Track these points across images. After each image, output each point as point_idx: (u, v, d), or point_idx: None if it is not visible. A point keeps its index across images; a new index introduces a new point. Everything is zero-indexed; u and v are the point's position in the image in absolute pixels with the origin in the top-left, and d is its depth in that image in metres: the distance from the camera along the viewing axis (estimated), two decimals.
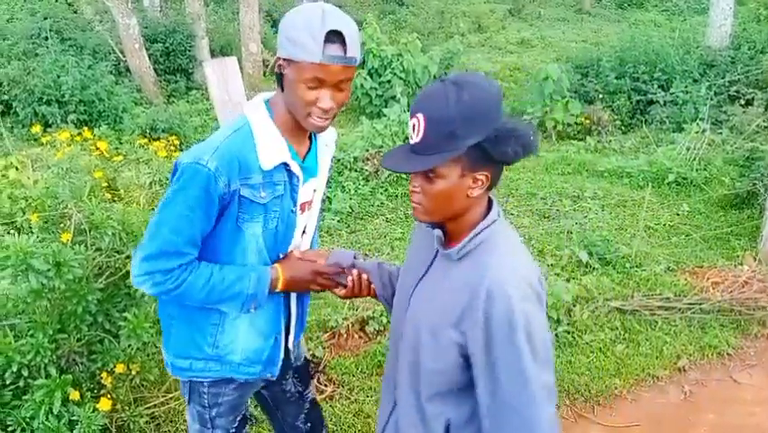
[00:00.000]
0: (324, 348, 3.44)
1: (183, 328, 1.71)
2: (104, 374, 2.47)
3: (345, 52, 1.43)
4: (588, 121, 7.73)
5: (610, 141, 7.47)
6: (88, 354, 2.49)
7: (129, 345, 2.48)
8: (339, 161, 5.96)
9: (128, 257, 2.42)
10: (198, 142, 1.63)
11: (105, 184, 2.86)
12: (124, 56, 9.47)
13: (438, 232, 1.40)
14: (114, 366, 2.45)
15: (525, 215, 5.22)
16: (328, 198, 5.52)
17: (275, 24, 14.53)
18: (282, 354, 1.82)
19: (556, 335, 3.41)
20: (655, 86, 8.15)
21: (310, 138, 1.71)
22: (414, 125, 1.28)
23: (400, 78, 9.45)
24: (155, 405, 2.90)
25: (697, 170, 5.86)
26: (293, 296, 1.81)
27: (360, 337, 3.61)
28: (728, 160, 6.03)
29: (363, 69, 9.61)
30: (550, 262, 4.27)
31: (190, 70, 10.25)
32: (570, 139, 7.76)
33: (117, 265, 2.46)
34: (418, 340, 1.39)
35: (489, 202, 1.41)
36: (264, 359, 1.76)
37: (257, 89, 9.89)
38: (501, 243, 1.35)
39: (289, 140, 1.61)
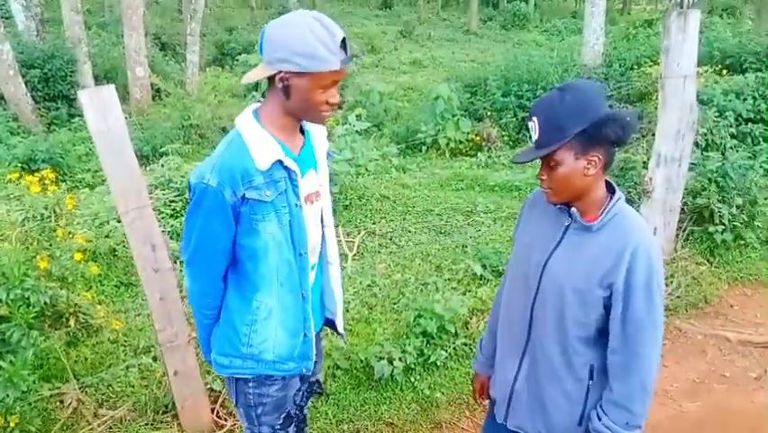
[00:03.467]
0: (222, 381, 3.34)
1: (223, 328, 1.87)
2: None
3: (347, 53, 1.63)
4: (478, 138, 8.03)
5: (499, 156, 7.77)
6: None
7: (6, 396, 2.32)
8: None
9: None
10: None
11: None
12: None
13: (574, 209, 1.67)
14: None
15: (422, 231, 5.32)
16: None
17: (164, 48, 14.14)
18: (315, 351, 1.97)
19: (454, 348, 3.48)
20: None
21: (302, 132, 1.85)
22: (532, 126, 1.60)
23: None
24: None
25: None
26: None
27: None
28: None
29: (257, 91, 9.51)
30: (447, 277, 4.37)
31: (72, 96, 9.75)
32: (462, 155, 8.02)
33: None
34: (562, 300, 1.68)
35: (610, 185, 1.70)
36: (296, 355, 1.90)
37: (145, 114, 9.56)
38: (630, 215, 1.67)
39: (282, 139, 1.73)
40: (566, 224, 1.71)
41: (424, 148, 8.19)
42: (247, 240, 1.74)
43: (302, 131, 1.85)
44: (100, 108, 2.49)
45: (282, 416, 2.00)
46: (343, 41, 1.60)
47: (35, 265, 2.39)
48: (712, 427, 3.13)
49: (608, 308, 1.66)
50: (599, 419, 1.70)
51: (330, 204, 2.01)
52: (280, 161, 1.70)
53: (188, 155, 7.71)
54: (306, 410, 2.14)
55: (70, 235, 2.55)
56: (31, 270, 2.34)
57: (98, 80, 9.94)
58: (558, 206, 1.72)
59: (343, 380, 3.29)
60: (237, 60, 11.72)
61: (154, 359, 3.54)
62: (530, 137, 1.63)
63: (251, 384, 1.91)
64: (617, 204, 1.66)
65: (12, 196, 2.74)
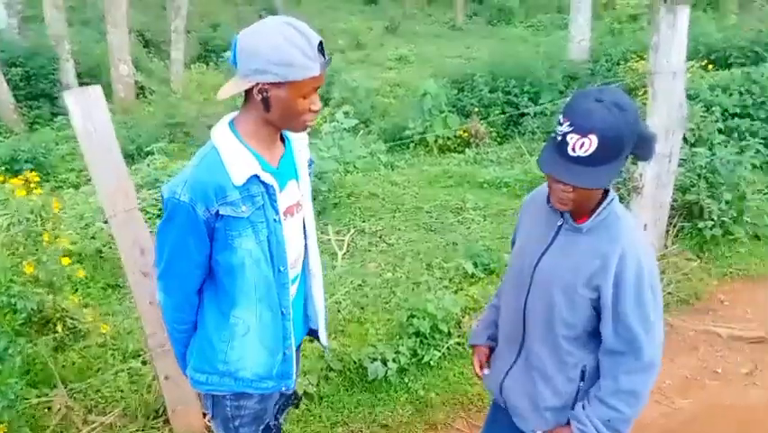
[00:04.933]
0: None
1: (199, 344, 1.81)
2: None
3: (324, 57, 1.56)
4: (466, 134, 8.01)
5: (488, 152, 7.76)
6: None
7: None
8: None
9: None
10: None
11: None
12: None
13: (567, 212, 1.65)
14: None
15: (412, 229, 5.30)
16: None
17: (147, 45, 14.00)
18: (295, 368, 1.91)
19: (448, 348, 3.47)
20: (526, 98, 8.58)
21: (283, 141, 1.78)
22: (583, 144, 1.46)
23: None
24: None
25: None
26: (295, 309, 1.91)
27: None
28: None
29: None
30: (438, 276, 4.35)
31: (54, 95, 9.64)
32: (450, 152, 7.99)
33: None
34: (551, 299, 1.67)
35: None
36: (275, 374, 1.85)
37: (129, 113, 9.45)
38: (622, 216, 1.64)
39: (259, 152, 1.66)
40: (559, 224, 1.70)
41: (412, 145, 8.16)
42: (223, 256, 1.68)
43: (282, 139, 1.79)
44: (86, 109, 2.44)
45: (261, 428, 1.96)
46: (320, 44, 1.55)
47: (21, 271, 2.34)
48: (705, 423, 3.14)
49: (597, 309, 1.65)
50: (583, 408, 1.71)
51: (312, 213, 1.94)
52: (257, 176, 1.63)
53: (174, 154, 7.63)
54: (281, 421, 2.10)
55: (56, 239, 2.50)
56: (17, 275, 2.29)
57: (81, 78, 9.82)
58: (551, 205, 1.69)
59: (337, 382, 3.26)
60: (222, 57, 11.62)
61: (143, 363, 3.49)
62: (568, 148, 1.47)
63: (228, 398, 1.85)
64: (610, 205, 1.64)
65: None
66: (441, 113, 8.13)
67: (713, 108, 5.95)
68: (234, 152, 1.61)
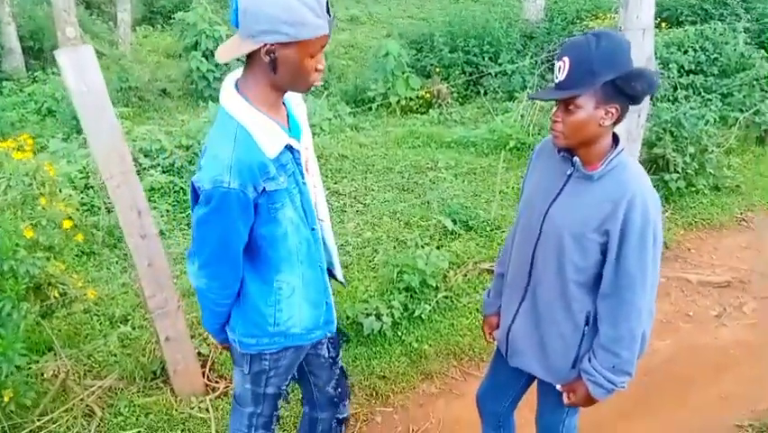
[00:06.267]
0: (208, 345, 3.31)
1: (245, 312, 1.81)
2: None
3: (330, 14, 1.52)
4: (429, 94, 8.03)
5: (451, 113, 7.80)
6: None
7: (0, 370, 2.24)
8: (188, 148, 5.68)
9: None
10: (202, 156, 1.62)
11: None
12: None
13: (576, 158, 1.71)
14: None
15: (385, 190, 5.34)
16: (182, 189, 5.26)
17: (89, 6, 13.37)
18: (335, 312, 1.96)
19: (437, 302, 3.56)
20: (485, 58, 8.62)
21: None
22: (560, 67, 1.60)
23: (238, 60, 9.14)
24: (31, 431, 2.64)
25: (532, 135, 6.31)
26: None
27: None
28: None
29: (197, 51, 9.17)
30: (418, 233, 4.42)
31: None
32: (413, 113, 7.99)
33: None
34: (562, 245, 1.74)
35: (615, 137, 1.73)
36: (321, 323, 1.90)
37: None
38: (631, 165, 1.71)
39: (274, 117, 1.62)
40: (568, 172, 1.76)
41: (374, 106, 8.14)
42: (266, 229, 1.67)
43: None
44: (78, 68, 2.37)
45: (289, 377, 2.02)
46: (327, 3, 1.51)
47: (21, 235, 2.28)
48: (682, 362, 3.34)
49: (603, 254, 1.72)
50: (589, 361, 1.80)
51: (316, 163, 1.95)
52: (287, 144, 1.63)
53: (132, 118, 7.41)
54: (340, 362, 2.19)
55: (54, 203, 2.43)
56: (19, 239, 2.23)
57: (24, 42, 9.36)
58: (562, 154, 1.75)
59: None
60: (173, 19, 11.22)
61: (134, 327, 3.47)
62: (554, 77, 1.63)
63: (267, 355, 1.87)
64: (620, 155, 1.70)
65: None
66: (402, 73, 8.11)
67: (670, 65, 6.14)
68: (262, 127, 1.58)
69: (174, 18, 10.68)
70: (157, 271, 2.75)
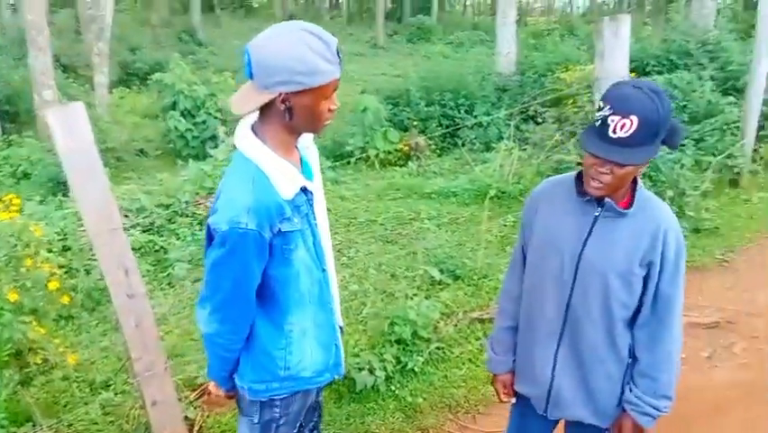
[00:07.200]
0: (194, 408, 3.19)
1: (254, 358, 1.78)
2: None
3: (340, 57, 1.56)
4: (407, 147, 8.13)
5: (429, 165, 7.90)
6: None
7: None
8: (168, 207, 5.63)
9: None
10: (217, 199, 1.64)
11: None
12: None
13: (608, 199, 1.71)
14: None
15: (369, 242, 5.32)
16: (163, 248, 5.19)
17: (65, 70, 13.43)
18: (343, 354, 1.96)
19: (429, 353, 3.49)
20: (461, 111, 8.80)
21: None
22: (624, 124, 1.55)
23: (216, 118, 9.21)
24: None
25: (512, 184, 6.38)
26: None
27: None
28: (538, 172, 6.65)
29: (175, 110, 9.22)
30: (404, 284, 4.38)
31: None
32: (392, 166, 8.08)
33: None
34: (606, 284, 1.74)
35: None
36: (331, 365, 1.89)
37: None
38: (655, 199, 1.76)
39: (289, 159, 1.64)
40: (596, 214, 1.75)
41: (353, 160, 8.20)
42: (279, 270, 1.67)
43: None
44: (67, 127, 2.34)
45: (297, 425, 1.98)
46: (337, 47, 1.55)
47: (5, 298, 2.20)
48: (683, 405, 3.28)
49: (646, 285, 1.75)
50: (631, 391, 1.80)
51: (325, 205, 1.94)
52: (303, 186, 1.65)
53: (111, 179, 7.34)
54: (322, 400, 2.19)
55: (40, 264, 2.36)
56: (3, 304, 2.15)
57: (1, 106, 9.30)
58: (587, 198, 1.75)
59: (324, 394, 3.21)
60: (149, 80, 11.32)
61: (116, 393, 3.34)
62: (609, 130, 1.55)
63: (279, 399, 1.84)
64: (642, 189, 1.74)
65: None
66: (381, 127, 8.22)
67: None
68: (279, 169, 1.60)
69: (151, 79, 10.79)
70: (144, 331, 2.66)
